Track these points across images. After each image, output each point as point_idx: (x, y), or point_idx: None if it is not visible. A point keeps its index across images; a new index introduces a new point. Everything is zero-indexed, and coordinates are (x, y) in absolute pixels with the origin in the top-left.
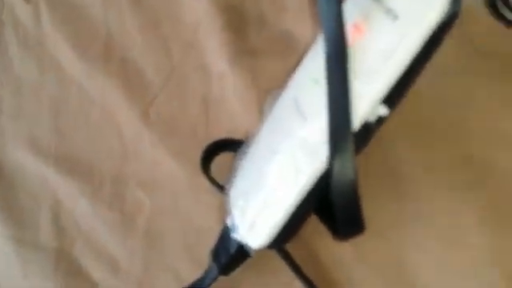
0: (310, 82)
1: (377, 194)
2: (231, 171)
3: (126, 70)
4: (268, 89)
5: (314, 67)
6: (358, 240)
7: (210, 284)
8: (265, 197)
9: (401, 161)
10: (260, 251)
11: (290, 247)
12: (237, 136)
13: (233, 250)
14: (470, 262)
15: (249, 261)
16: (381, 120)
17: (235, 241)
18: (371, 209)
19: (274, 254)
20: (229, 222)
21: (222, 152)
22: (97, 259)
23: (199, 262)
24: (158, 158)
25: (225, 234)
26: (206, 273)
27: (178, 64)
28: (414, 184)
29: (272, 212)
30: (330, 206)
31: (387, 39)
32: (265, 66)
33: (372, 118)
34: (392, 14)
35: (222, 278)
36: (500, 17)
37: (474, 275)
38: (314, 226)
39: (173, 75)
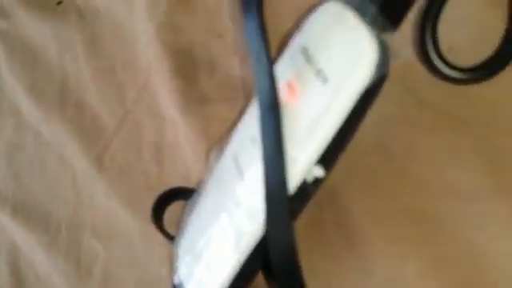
0: (248, 140)
1: (326, 245)
2: (181, 223)
3: (81, 116)
4: (219, 136)
5: (251, 124)
6: None
7: None
8: (210, 257)
9: (349, 211)
10: None
11: None
12: (190, 183)
13: None
14: None
15: None
16: (318, 181)
17: None
18: (321, 260)
19: None
20: (176, 281)
21: (173, 201)
22: None
23: None
24: (112, 207)
25: None
26: None
27: (132, 108)
28: (360, 235)
29: (217, 273)
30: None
31: (319, 102)
32: (216, 113)
33: (309, 180)
34: (322, 76)
35: None
36: (436, 71)
37: None
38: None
39: (126, 119)
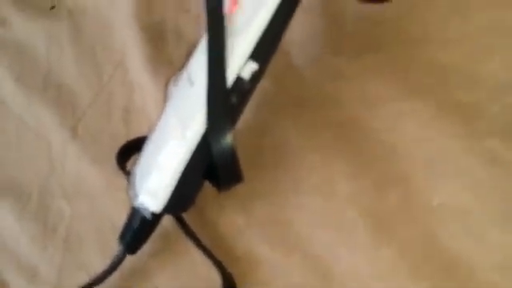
0: (199, 53)
1: (265, 166)
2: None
3: (60, 95)
4: None
5: (203, 49)
6: (250, 208)
7: (118, 265)
8: (160, 162)
9: (287, 135)
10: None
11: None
12: None
13: (136, 224)
14: (338, 212)
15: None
16: (254, 78)
17: (138, 215)
18: (260, 179)
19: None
20: (131, 193)
21: (138, 150)
22: (18, 271)
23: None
24: (82, 168)
25: (129, 216)
26: (115, 257)
27: (107, 83)
28: (295, 154)
29: (165, 174)
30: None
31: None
32: None
33: (246, 75)
34: None
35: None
36: None
37: (340, 223)
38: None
39: (102, 93)
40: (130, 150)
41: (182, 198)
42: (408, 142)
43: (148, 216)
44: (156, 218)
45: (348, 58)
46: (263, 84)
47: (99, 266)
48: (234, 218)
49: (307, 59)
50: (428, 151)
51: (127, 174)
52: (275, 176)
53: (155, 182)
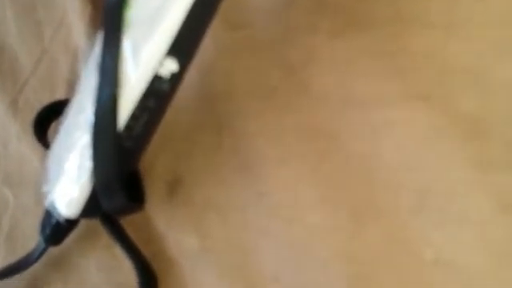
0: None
1: (222, 170)
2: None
3: (1, 59)
4: None
5: None
6: (204, 227)
7: (39, 256)
8: (66, 169)
9: (246, 134)
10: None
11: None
12: None
13: (54, 220)
14: (307, 241)
15: None
16: (174, 77)
17: (53, 216)
18: (216, 185)
19: None
20: (44, 189)
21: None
22: None
23: None
24: (24, 151)
25: (45, 212)
26: (35, 247)
27: (48, 47)
28: (254, 157)
29: (74, 183)
30: None
31: None
32: None
33: (164, 74)
34: None
35: None
36: None
37: (310, 255)
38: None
39: (43, 59)
40: (51, 116)
41: (94, 205)
42: (394, 165)
43: (61, 221)
44: (72, 222)
45: (326, 37)
46: (222, 67)
47: None
48: (185, 237)
49: (275, 35)
50: (421, 181)
51: (47, 147)
52: (235, 186)
53: (65, 188)
